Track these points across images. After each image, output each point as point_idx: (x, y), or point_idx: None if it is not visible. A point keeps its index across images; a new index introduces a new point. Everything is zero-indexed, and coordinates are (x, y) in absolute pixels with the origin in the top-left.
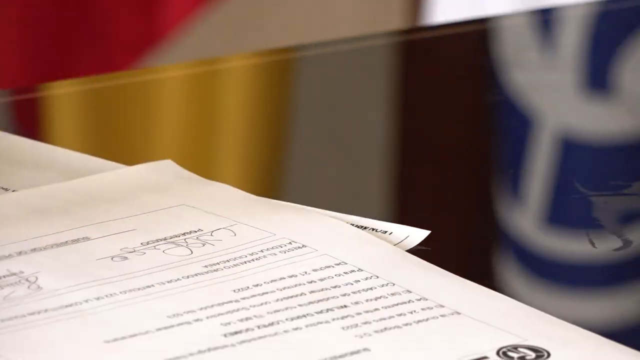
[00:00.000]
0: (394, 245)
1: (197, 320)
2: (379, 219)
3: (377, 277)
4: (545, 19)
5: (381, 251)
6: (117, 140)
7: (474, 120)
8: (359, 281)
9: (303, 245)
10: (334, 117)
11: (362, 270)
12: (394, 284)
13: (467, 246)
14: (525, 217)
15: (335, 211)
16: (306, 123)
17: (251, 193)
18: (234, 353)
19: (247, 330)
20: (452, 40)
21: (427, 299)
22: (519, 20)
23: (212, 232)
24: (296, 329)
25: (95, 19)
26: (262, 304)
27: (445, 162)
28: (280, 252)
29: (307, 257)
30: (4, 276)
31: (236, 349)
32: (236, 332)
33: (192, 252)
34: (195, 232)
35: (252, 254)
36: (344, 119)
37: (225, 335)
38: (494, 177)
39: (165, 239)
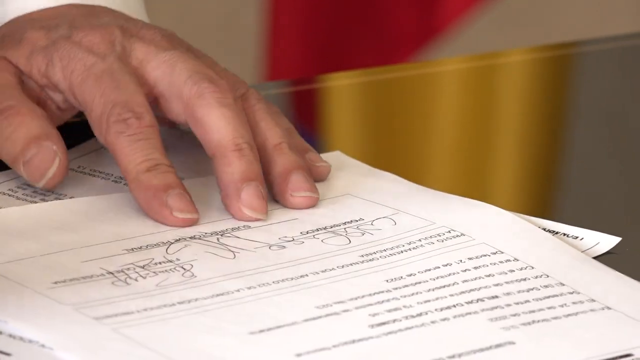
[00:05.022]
0: (583, 250)
1: (345, 311)
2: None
3: (532, 267)
4: None
5: (541, 242)
6: (391, 131)
7: None
8: (513, 271)
9: (461, 234)
10: (611, 118)
11: (517, 260)
12: (547, 276)
13: None
14: None
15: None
16: (582, 122)
17: (526, 189)
18: (378, 345)
19: (394, 321)
20: None
21: (579, 293)
22: None
23: (373, 221)
24: (444, 319)
25: (374, 12)
26: (413, 294)
27: None
28: (437, 240)
29: (464, 245)
30: (160, 262)
31: (381, 340)
32: (383, 323)
33: (350, 242)
34: (357, 221)
35: (409, 243)
36: (621, 120)
37: (371, 327)
38: None
39: (325, 228)
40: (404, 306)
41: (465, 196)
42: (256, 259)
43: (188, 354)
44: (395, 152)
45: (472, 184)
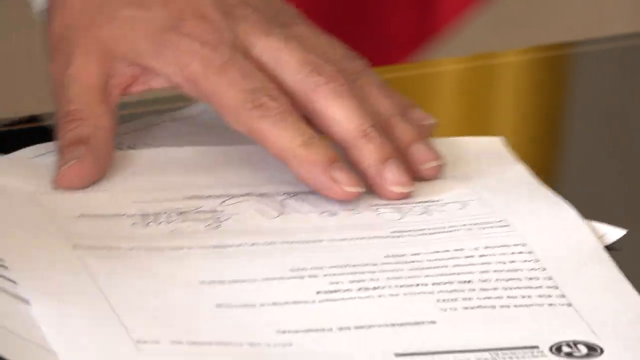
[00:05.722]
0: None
1: (312, 276)
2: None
3: (537, 261)
4: None
5: (580, 247)
6: None
7: None
8: (514, 262)
9: (507, 225)
10: (608, 118)
11: (531, 253)
12: (544, 269)
13: None
14: None
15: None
16: (580, 122)
17: None
18: (305, 308)
19: (345, 290)
20: None
21: (557, 288)
22: None
23: (447, 203)
24: (392, 295)
25: (371, 13)
26: (392, 270)
27: None
28: (478, 228)
29: (496, 235)
30: (203, 212)
31: (313, 305)
32: (331, 292)
33: (400, 218)
34: (434, 201)
35: (451, 226)
36: (619, 120)
37: (317, 293)
38: None
39: (395, 203)
40: (371, 279)
41: None
42: (294, 222)
43: (123, 290)
44: None
45: None
